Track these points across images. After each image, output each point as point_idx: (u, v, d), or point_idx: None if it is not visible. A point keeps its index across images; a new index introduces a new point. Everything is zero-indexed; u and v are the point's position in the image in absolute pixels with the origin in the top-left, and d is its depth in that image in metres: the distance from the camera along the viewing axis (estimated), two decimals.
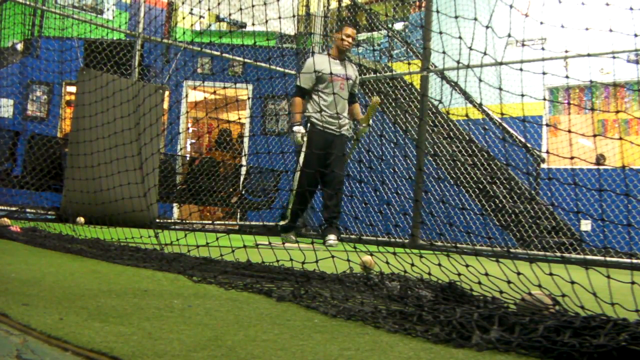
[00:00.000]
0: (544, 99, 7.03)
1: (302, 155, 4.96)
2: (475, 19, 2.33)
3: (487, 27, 2.20)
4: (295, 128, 5.00)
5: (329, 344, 1.14)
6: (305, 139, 4.98)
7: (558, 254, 5.42)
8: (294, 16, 8.19)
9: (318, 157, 4.92)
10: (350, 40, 5.12)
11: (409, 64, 7.45)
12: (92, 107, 5.06)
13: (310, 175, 4.95)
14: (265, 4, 2.98)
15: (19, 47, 7.50)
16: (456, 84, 6.85)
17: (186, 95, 8.81)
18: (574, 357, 1.08)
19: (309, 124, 5.07)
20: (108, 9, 8.51)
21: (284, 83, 8.24)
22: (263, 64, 7.62)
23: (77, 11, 8.07)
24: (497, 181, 6.73)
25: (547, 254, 5.39)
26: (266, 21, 3.29)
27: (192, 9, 6.95)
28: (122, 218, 4.54)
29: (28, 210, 5.89)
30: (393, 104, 7.49)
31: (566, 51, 4.68)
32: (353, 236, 5.77)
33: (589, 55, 4.12)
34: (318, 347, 1.11)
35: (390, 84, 7.67)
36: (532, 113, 7.17)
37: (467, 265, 1.84)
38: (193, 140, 10.33)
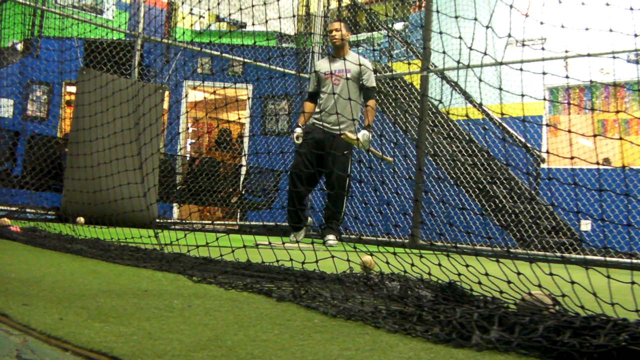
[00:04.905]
0: (544, 99, 7.03)
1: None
2: (475, 19, 2.33)
3: (487, 27, 2.20)
4: (296, 130, 5.07)
5: (329, 344, 1.14)
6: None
7: (558, 254, 5.42)
8: (294, 16, 8.19)
9: (306, 157, 4.96)
10: (335, 34, 5.00)
11: (409, 64, 7.45)
12: (92, 107, 5.06)
13: (296, 175, 4.97)
14: (265, 4, 2.98)
15: (19, 47, 7.50)
16: (456, 84, 6.85)
17: (186, 95, 8.81)
18: (574, 357, 1.08)
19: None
20: (108, 9, 8.51)
21: (284, 83, 8.24)
22: (263, 64, 7.62)
23: (77, 11, 8.07)
24: (497, 181, 6.73)
25: (547, 254, 5.39)
26: (266, 21, 3.29)
27: (192, 9, 6.95)
28: (122, 218, 4.54)
29: (28, 210, 5.89)
30: (393, 104, 7.49)
31: (566, 51, 4.68)
32: (353, 236, 5.77)
33: (589, 55, 4.12)
34: (318, 347, 1.11)
35: (390, 84, 7.67)
36: (532, 113, 7.17)
37: (467, 265, 1.83)
38: (193, 140, 10.33)
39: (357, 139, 4.75)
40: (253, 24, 8.06)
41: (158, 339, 1.09)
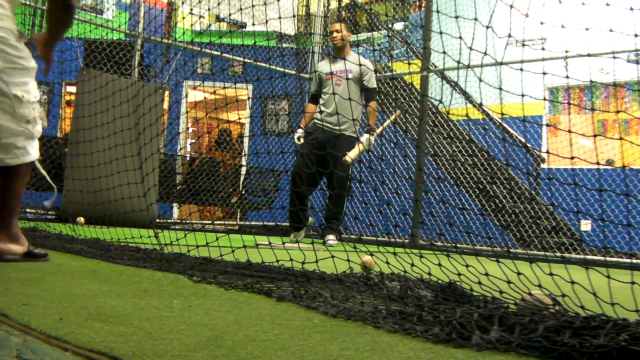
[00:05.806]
0: (544, 99, 7.03)
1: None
2: (476, 19, 2.33)
3: (487, 27, 2.20)
4: (297, 131, 5.15)
5: (329, 344, 1.14)
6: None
7: (558, 254, 5.41)
8: (294, 16, 8.19)
9: (307, 157, 4.95)
10: (336, 35, 5.00)
11: (409, 64, 7.45)
12: (92, 107, 5.06)
13: (298, 176, 4.96)
14: (265, 4, 2.98)
15: None
16: (456, 84, 6.85)
17: (186, 95, 8.81)
18: (574, 357, 1.08)
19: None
20: (108, 9, 8.51)
21: (284, 83, 8.24)
22: (263, 64, 7.62)
23: (77, 11, 8.06)
24: (497, 181, 6.73)
25: (547, 254, 5.39)
26: (266, 21, 3.29)
27: (192, 9, 6.95)
28: (122, 218, 4.54)
29: (28, 210, 5.89)
30: (393, 104, 7.49)
31: (566, 51, 4.67)
32: (353, 236, 5.77)
33: (589, 55, 4.11)
34: (318, 347, 1.11)
35: (390, 84, 7.67)
36: (532, 113, 7.17)
37: (467, 265, 1.84)
38: (193, 140, 10.33)
39: (361, 143, 4.79)
40: (253, 24, 8.06)
41: (158, 339, 1.09)
